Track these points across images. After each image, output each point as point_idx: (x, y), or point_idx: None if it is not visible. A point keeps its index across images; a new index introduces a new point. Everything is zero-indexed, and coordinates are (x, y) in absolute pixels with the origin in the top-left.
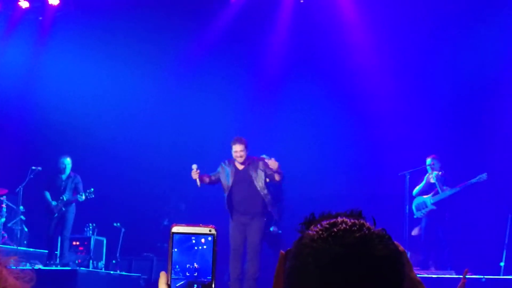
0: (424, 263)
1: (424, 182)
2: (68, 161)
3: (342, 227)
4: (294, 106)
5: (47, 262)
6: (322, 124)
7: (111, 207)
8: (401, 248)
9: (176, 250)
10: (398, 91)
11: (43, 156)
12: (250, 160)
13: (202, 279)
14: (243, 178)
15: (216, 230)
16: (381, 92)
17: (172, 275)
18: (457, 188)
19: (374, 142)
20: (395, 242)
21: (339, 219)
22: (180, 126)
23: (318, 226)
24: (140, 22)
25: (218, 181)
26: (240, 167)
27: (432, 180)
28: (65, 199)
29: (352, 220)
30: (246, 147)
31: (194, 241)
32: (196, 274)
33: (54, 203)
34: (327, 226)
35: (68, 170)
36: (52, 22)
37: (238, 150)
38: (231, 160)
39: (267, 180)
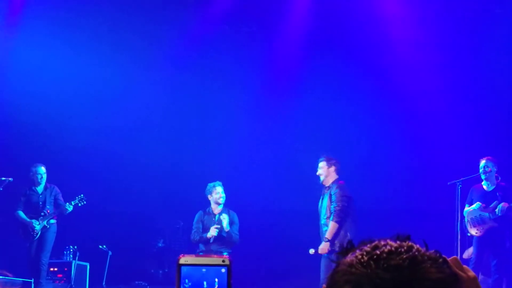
0: None
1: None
2: (43, 170)
3: (386, 249)
4: (322, 103)
5: None
6: (356, 124)
7: (95, 226)
8: (471, 273)
9: (184, 285)
10: (448, 86)
11: (13, 165)
12: (333, 183)
13: None
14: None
15: (230, 261)
16: (428, 88)
17: None
18: None
19: (419, 146)
20: (464, 266)
21: (382, 242)
22: (178, 129)
23: (357, 251)
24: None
25: None
26: (325, 190)
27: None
28: (48, 213)
29: (398, 242)
30: (329, 165)
31: (204, 273)
32: None
33: (37, 223)
34: (368, 249)
35: (44, 181)
36: (24, 4)
37: (319, 167)
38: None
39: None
